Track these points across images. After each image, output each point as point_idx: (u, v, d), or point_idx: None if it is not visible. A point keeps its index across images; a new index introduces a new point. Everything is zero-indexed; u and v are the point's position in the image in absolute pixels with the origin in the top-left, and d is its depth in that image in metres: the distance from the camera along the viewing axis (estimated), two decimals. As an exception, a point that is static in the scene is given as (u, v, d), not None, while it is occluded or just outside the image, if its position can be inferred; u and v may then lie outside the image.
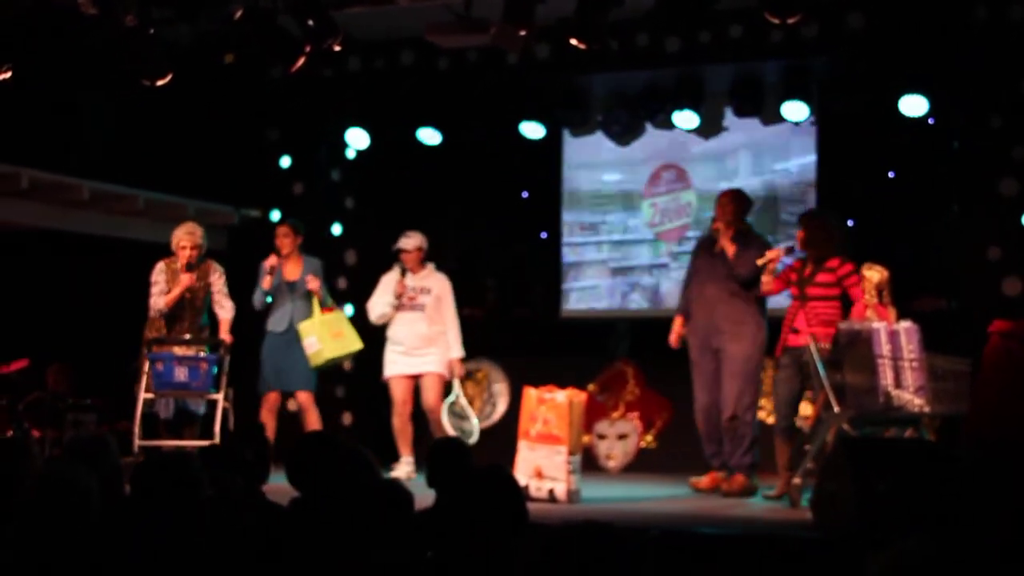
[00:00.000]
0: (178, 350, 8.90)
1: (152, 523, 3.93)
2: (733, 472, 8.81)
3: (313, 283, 9.44)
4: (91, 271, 11.04)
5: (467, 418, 9.56)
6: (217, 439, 8.47)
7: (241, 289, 9.52)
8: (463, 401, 9.59)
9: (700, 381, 8.95)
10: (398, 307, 9.53)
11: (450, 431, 9.35)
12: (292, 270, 9.57)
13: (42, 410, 10.03)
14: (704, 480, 8.95)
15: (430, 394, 9.46)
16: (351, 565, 3.66)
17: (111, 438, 5.59)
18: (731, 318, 8.79)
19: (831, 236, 8.58)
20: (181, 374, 8.73)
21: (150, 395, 8.77)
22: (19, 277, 11.01)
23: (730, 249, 8.79)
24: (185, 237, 9.07)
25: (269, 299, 9.58)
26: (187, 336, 9.01)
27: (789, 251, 8.69)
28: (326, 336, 9.37)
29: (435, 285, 9.57)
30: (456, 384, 9.60)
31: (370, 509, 3.81)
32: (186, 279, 9.02)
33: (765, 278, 8.58)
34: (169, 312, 9.04)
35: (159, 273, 9.10)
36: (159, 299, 9.03)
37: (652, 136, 11.08)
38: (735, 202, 8.93)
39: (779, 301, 9.20)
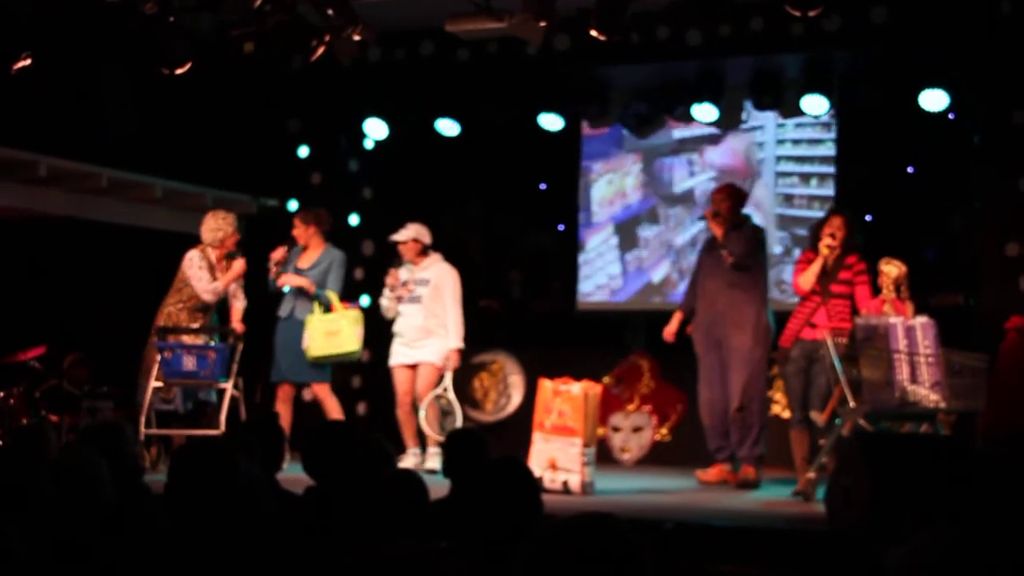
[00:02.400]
0: (187, 339, 8.91)
1: (189, 511, 3.92)
2: (741, 464, 8.81)
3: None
4: (109, 259, 11.06)
5: (451, 413, 9.50)
6: (223, 428, 8.47)
7: (258, 278, 9.54)
8: (451, 395, 9.50)
9: (705, 375, 8.97)
10: (399, 299, 9.53)
11: (424, 425, 9.32)
12: (308, 258, 9.56)
13: (59, 397, 10.06)
14: (710, 473, 8.95)
15: (421, 382, 9.42)
16: (365, 554, 3.67)
17: (128, 425, 5.61)
18: (731, 309, 8.81)
19: (853, 232, 8.58)
20: (189, 363, 8.74)
21: (159, 383, 8.78)
22: (36, 264, 11.05)
23: (718, 231, 8.81)
24: (230, 227, 9.15)
25: (287, 288, 9.55)
26: (196, 325, 9.01)
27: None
28: (318, 334, 9.23)
29: (434, 276, 9.49)
30: (447, 377, 9.52)
31: (384, 499, 3.81)
32: (241, 265, 9.12)
33: (816, 272, 8.49)
34: (196, 306, 9.05)
35: (201, 260, 9.09)
36: (217, 283, 9.04)
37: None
38: (732, 198, 8.93)
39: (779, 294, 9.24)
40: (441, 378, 9.47)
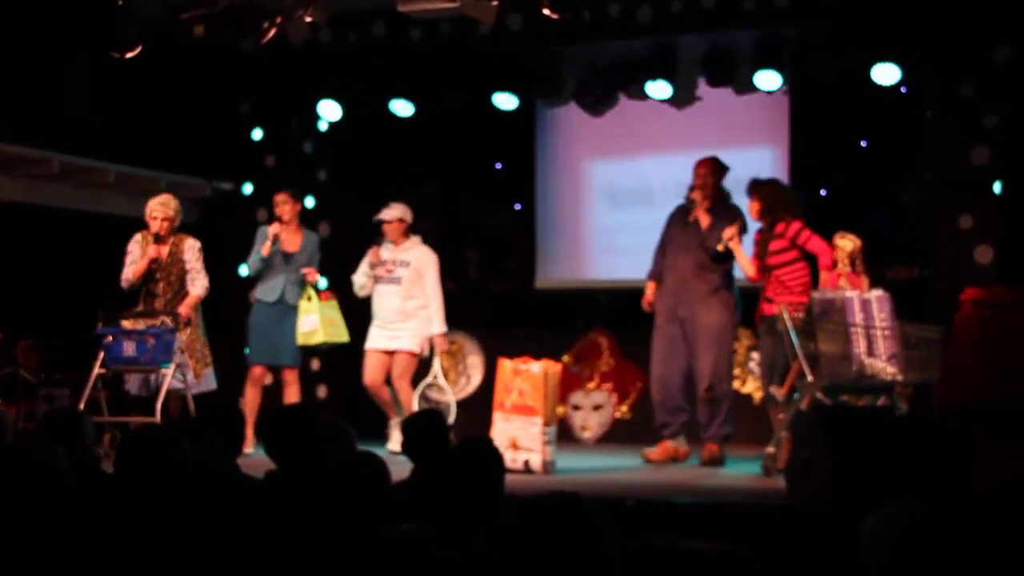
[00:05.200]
0: (127, 324, 8.80)
1: (136, 498, 3.92)
2: (706, 442, 8.85)
3: (312, 276, 9.41)
4: (62, 245, 10.96)
5: (444, 399, 9.53)
6: (158, 416, 8.35)
7: (213, 261, 9.47)
8: (441, 381, 9.54)
9: (661, 349, 8.98)
10: (376, 279, 9.50)
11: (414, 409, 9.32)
12: (290, 241, 9.52)
13: (14, 385, 9.97)
14: (655, 452, 8.97)
15: (396, 370, 9.42)
16: (326, 537, 3.66)
17: (85, 413, 5.57)
18: (701, 289, 8.83)
19: (781, 201, 8.62)
20: (129, 348, 8.62)
21: (102, 370, 8.69)
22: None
23: (704, 221, 8.83)
24: (157, 208, 8.93)
25: (264, 266, 9.50)
26: (140, 309, 8.93)
27: (743, 227, 8.70)
28: (324, 320, 9.37)
29: (415, 258, 9.48)
30: (436, 364, 9.54)
31: (344, 481, 3.81)
32: (152, 250, 8.92)
33: (740, 261, 8.62)
34: (145, 286, 8.96)
35: (133, 244, 8.98)
36: (128, 269, 8.95)
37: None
38: (715, 173, 8.96)
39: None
40: (427, 364, 9.48)
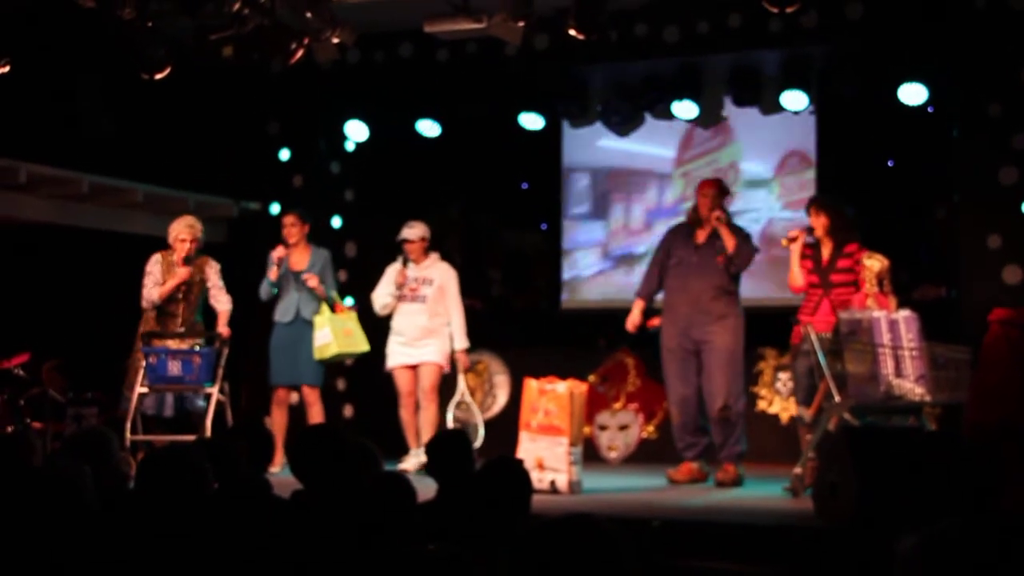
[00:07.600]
0: (172, 344, 8.89)
1: (157, 517, 3.93)
2: (723, 462, 8.81)
3: (311, 281, 9.42)
4: (90, 265, 11.02)
5: (472, 419, 9.52)
6: (208, 433, 8.42)
7: (242, 282, 9.51)
8: (468, 399, 9.53)
9: (677, 372, 8.95)
10: (400, 297, 9.49)
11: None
12: (299, 260, 9.56)
13: (43, 404, 10.01)
14: (679, 472, 8.94)
15: (425, 383, 9.40)
16: (352, 557, 3.66)
17: (112, 433, 5.59)
18: (716, 312, 8.82)
19: (848, 221, 8.60)
20: (175, 368, 8.71)
21: (144, 389, 8.75)
22: (18, 271, 11.00)
23: (731, 243, 8.80)
24: (185, 230, 9.05)
25: (275, 290, 9.56)
26: (180, 328, 9.00)
27: (809, 232, 8.63)
28: (338, 332, 9.36)
29: (438, 275, 9.48)
30: (461, 381, 9.53)
31: (371, 501, 3.81)
32: (183, 272, 9.00)
33: (792, 266, 8.54)
34: (163, 306, 9.03)
35: (154, 264, 9.07)
36: (153, 290, 9.00)
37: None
38: (722, 193, 8.98)
39: (753, 291, 9.30)
40: (450, 380, 9.47)
